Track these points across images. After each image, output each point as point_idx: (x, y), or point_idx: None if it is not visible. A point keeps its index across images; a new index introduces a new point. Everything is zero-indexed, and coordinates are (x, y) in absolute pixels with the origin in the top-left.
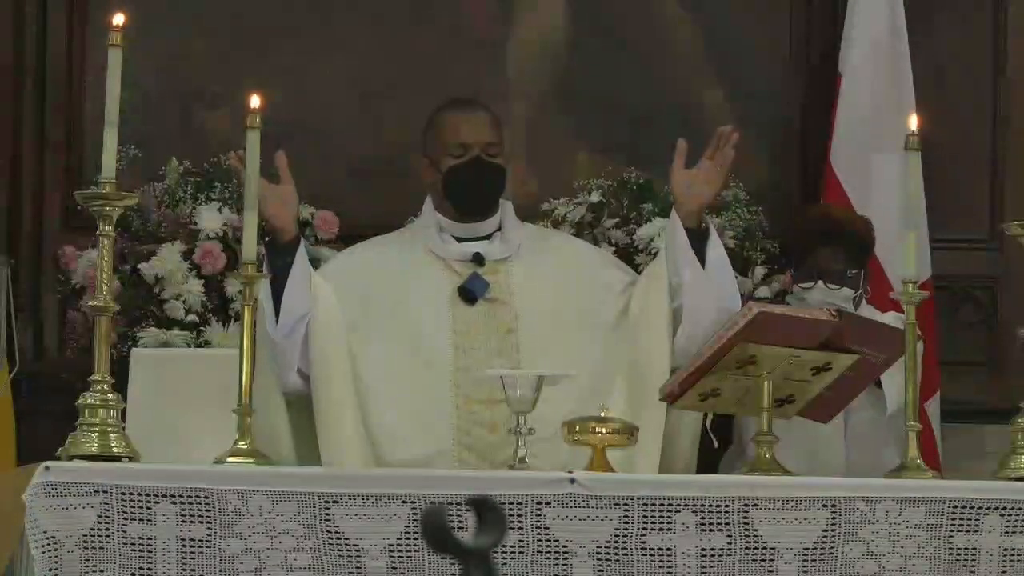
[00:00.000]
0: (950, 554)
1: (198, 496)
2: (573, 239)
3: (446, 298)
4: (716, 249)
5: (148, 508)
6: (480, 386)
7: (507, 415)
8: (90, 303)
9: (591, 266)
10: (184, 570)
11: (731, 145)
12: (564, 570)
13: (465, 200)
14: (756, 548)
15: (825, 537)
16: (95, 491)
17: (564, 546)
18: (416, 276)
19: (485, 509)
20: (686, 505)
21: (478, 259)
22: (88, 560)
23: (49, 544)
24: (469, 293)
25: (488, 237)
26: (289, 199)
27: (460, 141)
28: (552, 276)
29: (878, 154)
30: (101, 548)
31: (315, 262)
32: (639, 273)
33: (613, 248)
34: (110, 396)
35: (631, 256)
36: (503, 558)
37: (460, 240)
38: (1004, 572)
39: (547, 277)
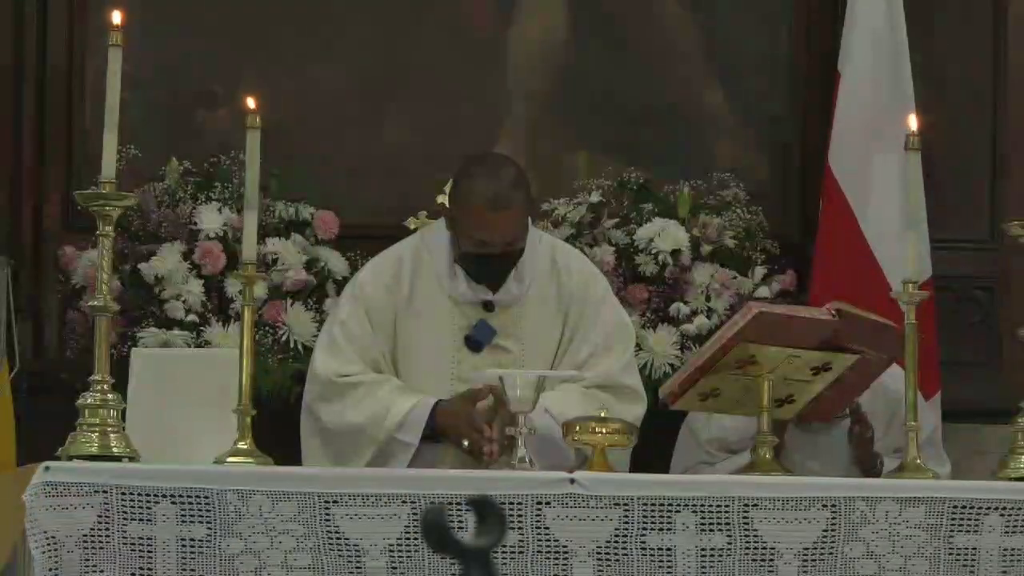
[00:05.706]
0: (950, 554)
1: (198, 496)
2: (579, 263)
3: (452, 343)
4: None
5: (148, 508)
6: None
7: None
8: (90, 303)
9: (588, 302)
10: (184, 570)
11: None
12: (564, 570)
13: (477, 280)
14: (756, 548)
15: (825, 537)
16: (95, 491)
17: (564, 546)
18: (424, 315)
19: (485, 509)
20: (686, 505)
21: (488, 307)
22: (88, 560)
23: (49, 544)
24: (475, 344)
25: None
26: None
27: (483, 238)
28: (556, 315)
29: (878, 154)
30: (101, 548)
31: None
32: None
33: (613, 248)
34: (110, 396)
35: (631, 256)
36: (503, 558)
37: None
38: (1004, 572)
39: (551, 315)
